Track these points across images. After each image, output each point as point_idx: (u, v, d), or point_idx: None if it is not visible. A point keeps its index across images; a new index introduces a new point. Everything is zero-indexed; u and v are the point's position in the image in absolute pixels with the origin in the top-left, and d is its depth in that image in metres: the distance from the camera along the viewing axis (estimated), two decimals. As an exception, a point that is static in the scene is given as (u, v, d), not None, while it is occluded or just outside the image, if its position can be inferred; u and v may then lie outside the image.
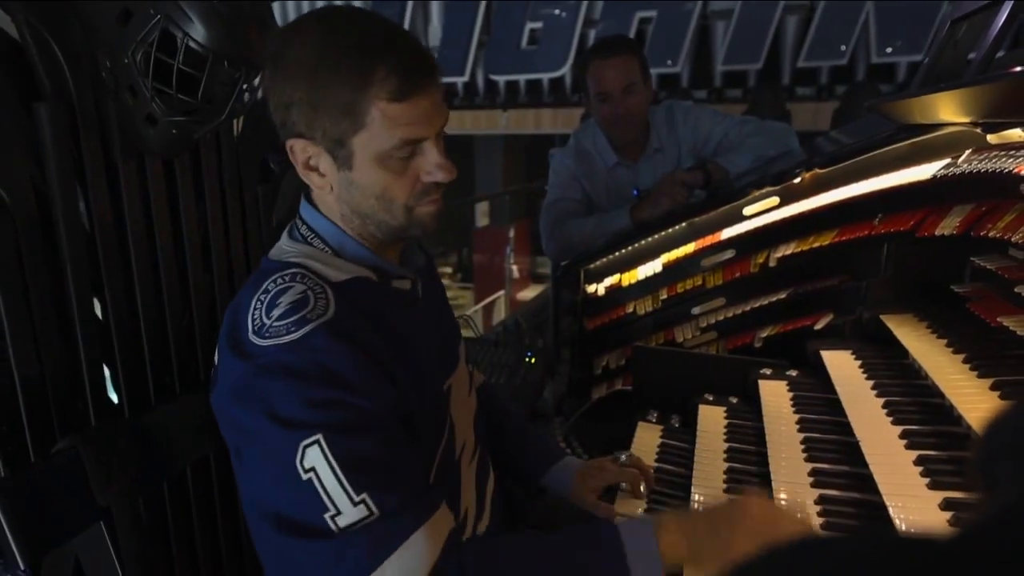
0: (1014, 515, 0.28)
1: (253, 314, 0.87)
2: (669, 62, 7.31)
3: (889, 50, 6.55)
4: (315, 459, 0.80)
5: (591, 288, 1.93)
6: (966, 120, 1.28)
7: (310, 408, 0.82)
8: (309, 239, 0.98)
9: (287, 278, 0.90)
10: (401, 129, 0.88)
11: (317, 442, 0.80)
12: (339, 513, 0.80)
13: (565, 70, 7.83)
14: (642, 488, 1.28)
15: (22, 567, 0.92)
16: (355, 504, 0.80)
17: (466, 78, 8.43)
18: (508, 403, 1.47)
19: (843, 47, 6.71)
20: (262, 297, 0.89)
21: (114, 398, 1.15)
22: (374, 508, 0.80)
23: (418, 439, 0.96)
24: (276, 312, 0.86)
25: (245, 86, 1.12)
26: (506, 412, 1.40)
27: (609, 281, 1.92)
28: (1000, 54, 1.25)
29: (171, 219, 1.23)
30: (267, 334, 0.85)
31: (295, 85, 0.87)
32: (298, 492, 0.81)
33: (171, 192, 1.22)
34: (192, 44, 1.02)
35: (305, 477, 0.80)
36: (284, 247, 1.00)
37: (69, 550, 1.03)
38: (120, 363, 1.14)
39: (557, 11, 7.87)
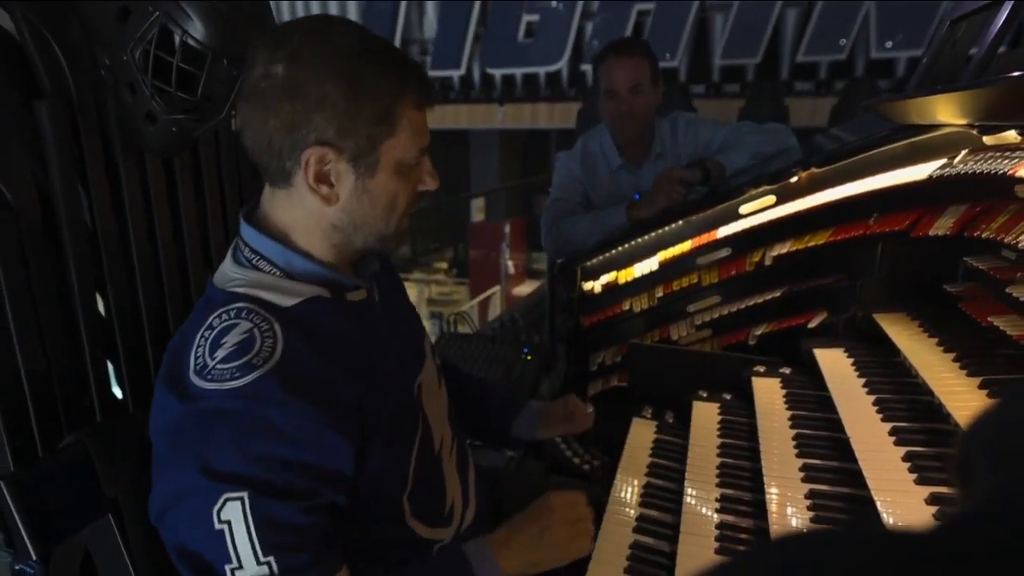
0: (987, 512, 0.29)
1: (196, 351, 0.84)
2: (667, 56, 7.30)
3: (889, 44, 6.55)
4: (233, 514, 0.79)
5: (588, 286, 1.94)
6: (962, 122, 1.29)
7: (244, 462, 0.80)
8: (255, 262, 0.92)
9: (232, 313, 0.86)
10: (419, 138, 0.91)
11: (241, 499, 0.79)
12: (240, 567, 0.79)
13: (562, 64, 7.82)
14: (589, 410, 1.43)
15: (34, 558, 0.94)
16: (259, 564, 0.79)
17: (462, 72, 8.41)
18: (463, 373, 1.50)
19: (842, 41, 6.70)
20: (206, 334, 0.85)
21: (118, 393, 1.17)
22: (275, 569, 0.79)
23: (389, 444, 0.96)
24: (220, 353, 0.82)
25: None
26: (466, 382, 1.44)
27: (606, 279, 1.93)
28: (1001, 49, 1.25)
29: (171, 215, 1.24)
30: (210, 376, 0.81)
31: (328, 87, 0.83)
32: (208, 538, 0.80)
33: (171, 188, 1.23)
34: (191, 42, 1.03)
35: (218, 527, 0.79)
36: (229, 273, 0.93)
37: (78, 541, 1.05)
38: (123, 358, 1.15)
39: (554, 4, 7.85)
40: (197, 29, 1.02)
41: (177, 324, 1.24)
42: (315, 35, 0.85)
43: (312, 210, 0.92)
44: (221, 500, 0.79)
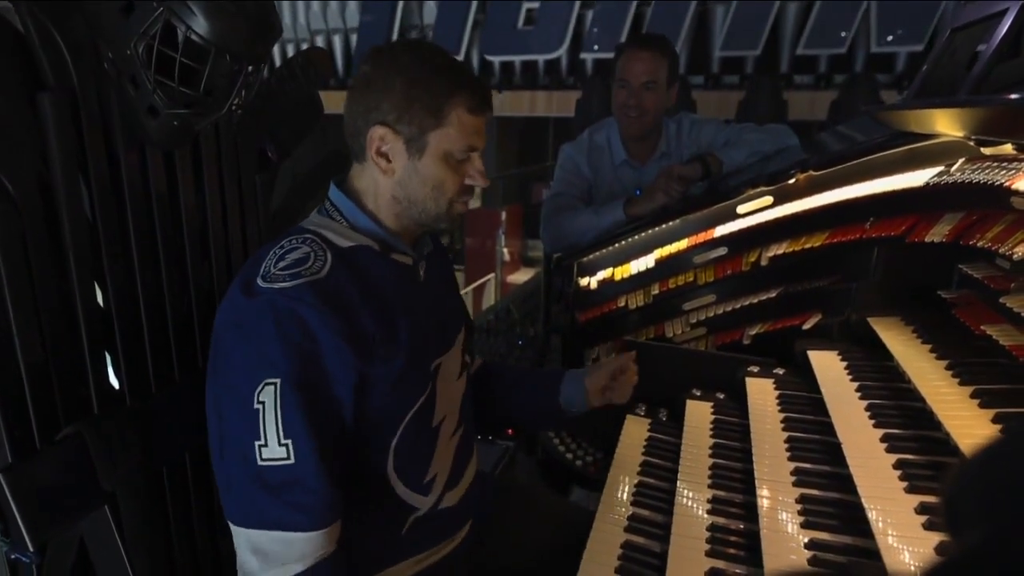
0: (975, 560, 0.30)
1: (266, 262, 1.03)
2: (667, 46, 7.23)
3: (889, 39, 6.52)
4: (267, 396, 0.97)
5: (583, 281, 1.95)
6: (959, 135, 1.30)
7: (282, 349, 0.97)
8: (330, 213, 1.14)
9: (298, 240, 1.06)
10: (468, 136, 1.10)
11: (275, 385, 0.97)
12: (266, 445, 0.97)
13: (561, 52, 7.77)
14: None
15: (30, 548, 0.95)
16: (280, 444, 0.96)
17: (461, 58, 8.34)
18: (504, 366, 1.63)
19: (843, 34, 6.67)
20: (276, 251, 1.05)
21: (115, 384, 1.17)
22: (292, 455, 0.97)
23: (393, 390, 1.09)
24: (281, 264, 1.02)
25: (249, 79, 1.13)
26: (506, 370, 1.58)
27: (602, 275, 1.93)
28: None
29: (171, 208, 1.23)
30: (269, 279, 1.00)
31: (396, 82, 1.06)
32: (245, 417, 0.97)
33: (171, 182, 1.23)
34: (194, 37, 1.03)
35: (255, 407, 0.97)
36: (310, 219, 1.16)
37: (74, 532, 1.06)
38: (121, 350, 1.15)
39: (554, -8, 7.78)
40: (200, 25, 1.02)
41: (175, 316, 1.25)
42: (401, 46, 1.11)
43: (379, 181, 1.12)
44: (261, 384, 0.97)
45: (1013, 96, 0.96)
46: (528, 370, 1.62)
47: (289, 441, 0.96)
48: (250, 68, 1.12)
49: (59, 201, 1.04)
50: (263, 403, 0.96)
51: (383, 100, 1.06)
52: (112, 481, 1.06)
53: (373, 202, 1.14)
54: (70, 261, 1.06)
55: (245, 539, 1.00)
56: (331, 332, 0.99)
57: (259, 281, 1.01)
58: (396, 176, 1.11)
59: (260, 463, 0.97)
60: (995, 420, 1.05)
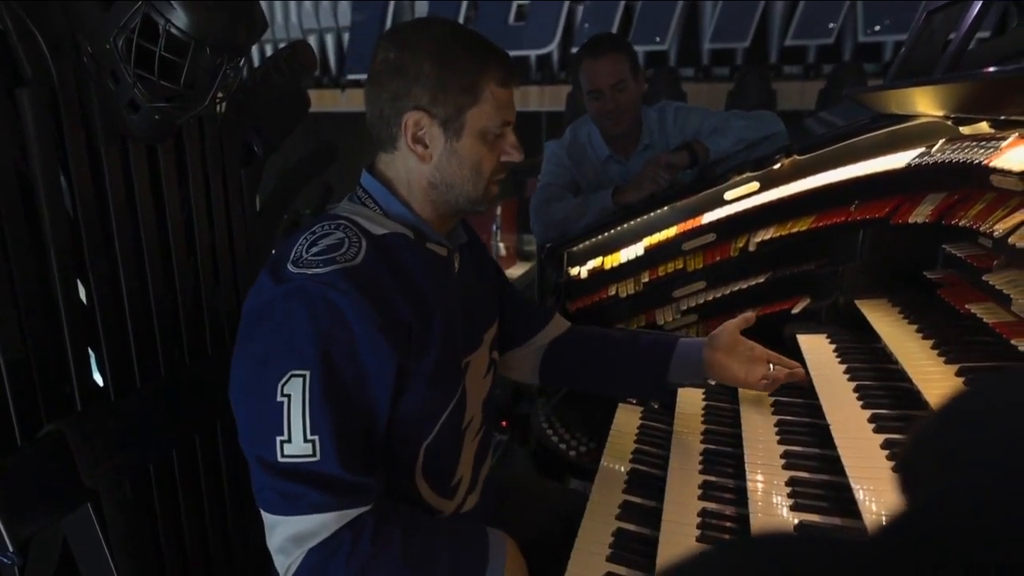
0: (920, 518, 0.30)
1: (297, 247, 1.00)
2: (657, 39, 7.23)
3: (876, 28, 6.54)
4: (294, 389, 0.92)
5: (574, 271, 1.95)
6: (938, 114, 1.30)
7: (314, 338, 0.93)
8: (363, 200, 1.11)
9: (332, 226, 1.03)
10: (503, 110, 1.07)
11: (303, 377, 0.92)
12: (289, 441, 0.92)
13: (553, 47, 7.76)
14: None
15: (10, 548, 0.94)
16: (306, 440, 0.92)
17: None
18: (607, 329, 1.53)
19: (831, 24, 6.68)
20: (308, 236, 1.02)
21: (99, 381, 1.16)
22: (317, 451, 0.92)
23: (429, 387, 1.06)
24: (314, 250, 0.99)
25: (229, 72, 1.13)
26: (608, 335, 1.49)
27: (592, 264, 1.93)
28: (985, 34, 1.26)
29: (154, 203, 1.23)
30: (301, 264, 0.97)
31: (425, 64, 1.02)
32: (268, 409, 0.92)
33: (154, 176, 1.23)
34: (174, 31, 1.03)
35: (279, 399, 0.92)
36: (342, 205, 1.13)
37: (57, 531, 1.05)
38: (105, 346, 1.15)
39: (544, -13, 7.76)
40: (180, 18, 1.02)
41: (160, 312, 1.24)
42: (418, 27, 1.07)
43: (413, 169, 1.09)
44: (287, 375, 0.92)
45: (988, 70, 0.96)
46: (634, 340, 1.46)
47: (316, 438, 0.92)
48: (232, 61, 1.12)
49: (39, 197, 1.03)
50: (288, 396, 0.92)
51: (414, 84, 1.03)
52: (95, 479, 1.06)
53: (406, 190, 1.10)
54: (51, 258, 1.06)
55: (274, 524, 0.95)
56: (367, 322, 0.95)
57: (289, 266, 0.97)
58: (433, 161, 1.07)
59: (281, 459, 0.92)
60: (980, 397, 1.05)
